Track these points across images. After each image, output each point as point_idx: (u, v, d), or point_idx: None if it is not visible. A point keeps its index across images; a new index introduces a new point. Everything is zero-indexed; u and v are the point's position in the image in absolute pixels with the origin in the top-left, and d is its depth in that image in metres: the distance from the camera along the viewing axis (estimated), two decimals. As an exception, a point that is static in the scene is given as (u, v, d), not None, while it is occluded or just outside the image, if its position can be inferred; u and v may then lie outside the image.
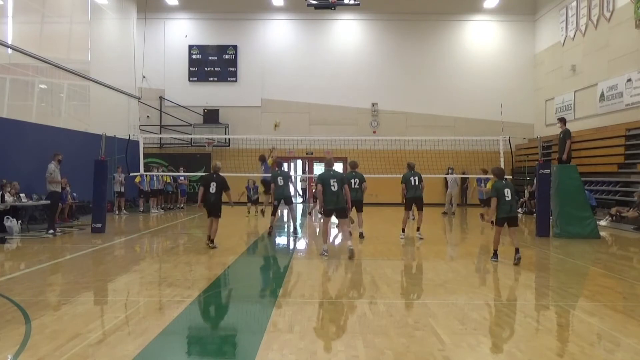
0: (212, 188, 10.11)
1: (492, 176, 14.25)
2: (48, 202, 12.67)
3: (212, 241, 10.23)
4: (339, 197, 9.08)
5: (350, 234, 10.54)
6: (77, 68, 17.65)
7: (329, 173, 9.33)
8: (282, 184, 12.06)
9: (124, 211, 18.25)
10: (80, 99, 18.45)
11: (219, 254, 9.61)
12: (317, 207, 13.75)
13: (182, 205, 21.42)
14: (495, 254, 8.92)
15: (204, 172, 23.46)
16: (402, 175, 11.97)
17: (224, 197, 10.39)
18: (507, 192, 8.66)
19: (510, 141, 14.84)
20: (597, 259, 9.66)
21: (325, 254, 9.15)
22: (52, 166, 12.08)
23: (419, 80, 24.28)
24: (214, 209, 10.21)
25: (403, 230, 11.91)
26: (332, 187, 9.02)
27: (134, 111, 22.81)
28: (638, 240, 12.54)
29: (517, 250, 8.60)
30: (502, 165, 15.01)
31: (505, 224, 8.73)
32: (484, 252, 10.43)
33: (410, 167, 12.03)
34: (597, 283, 7.54)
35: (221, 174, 10.44)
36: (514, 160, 15.74)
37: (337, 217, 9.35)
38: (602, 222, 15.02)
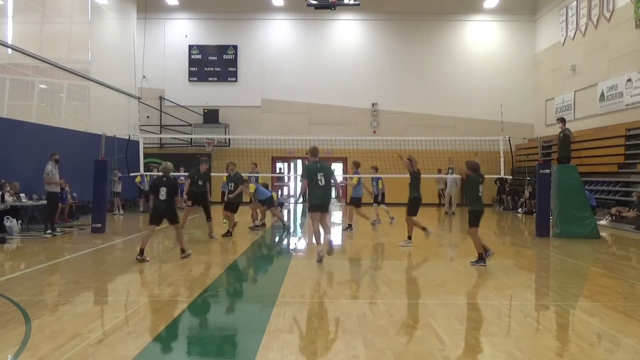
0: (162, 194, 8.78)
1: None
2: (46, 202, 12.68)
3: (183, 250, 9.00)
4: (326, 192, 8.70)
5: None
6: (77, 68, 17.65)
7: (315, 165, 8.76)
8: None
9: (120, 211, 18.19)
10: (80, 99, 18.44)
11: (219, 254, 9.60)
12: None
13: (181, 205, 21.37)
14: (482, 258, 8.32)
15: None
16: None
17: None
18: (481, 188, 8.45)
19: (510, 141, 14.84)
20: (597, 259, 9.66)
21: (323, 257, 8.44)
22: (49, 167, 12.10)
23: (419, 80, 24.29)
24: (168, 216, 8.94)
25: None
26: (320, 182, 8.54)
27: (134, 111, 22.81)
28: (638, 240, 12.53)
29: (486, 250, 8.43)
30: (502, 165, 15.03)
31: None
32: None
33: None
34: (597, 283, 7.54)
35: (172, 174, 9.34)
36: (514, 160, 15.74)
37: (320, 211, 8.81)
38: (602, 222, 15.03)
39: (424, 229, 10.53)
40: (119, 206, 18.19)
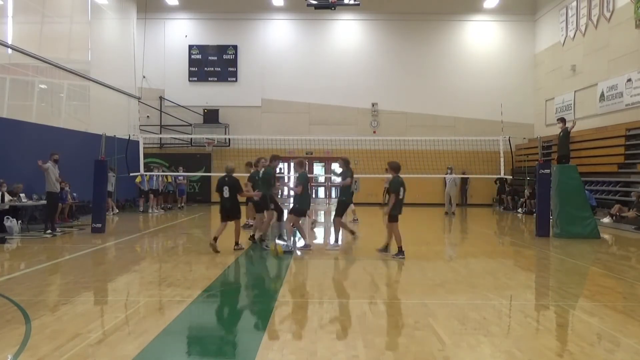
0: (225, 192, 9.81)
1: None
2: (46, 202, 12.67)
3: (237, 243, 9.97)
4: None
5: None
6: (77, 68, 17.64)
7: (306, 175, 10.00)
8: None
9: (115, 211, 18.10)
10: (80, 99, 18.44)
11: (219, 254, 9.59)
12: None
13: (181, 205, 21.43)
14: (401, 251, 9.03)
15: (204, 172, 23.57)
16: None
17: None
18: (402, 191, 9.05)
19: (510, 141, 14.83)
20: (597, 259, 9.66)
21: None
22: (49, 165, 12.11)
23: (419, 80, 24.28)
24: (232, 214, 9.91)
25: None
26: (308, 190, 10.03)
27: (134, 111, 22.80)
28: (638, 240, 12.53)
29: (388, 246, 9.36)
30: (502, 165, 15.04)
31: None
32: (484, 252, 10.45)
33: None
34: (597, 283, 7.54)
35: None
36: (514, 160, 15.74)
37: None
38: (605, 220, 15.04)
39: (352, 232, 11.20)
40: (112, 206, 18.06)
